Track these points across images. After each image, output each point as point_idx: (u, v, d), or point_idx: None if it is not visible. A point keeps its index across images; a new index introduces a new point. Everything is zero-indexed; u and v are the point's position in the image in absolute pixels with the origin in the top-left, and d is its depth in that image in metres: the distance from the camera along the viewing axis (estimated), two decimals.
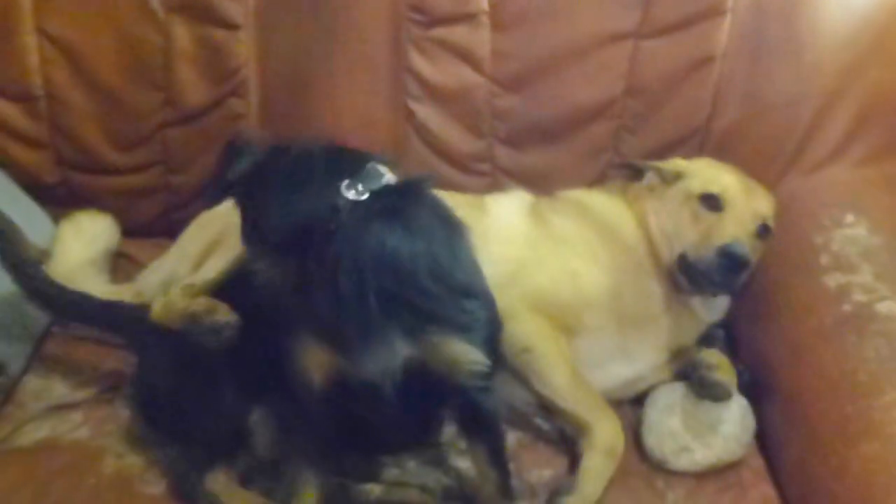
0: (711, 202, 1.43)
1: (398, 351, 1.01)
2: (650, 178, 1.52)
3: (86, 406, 1.37)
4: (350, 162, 1.05)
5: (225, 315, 1.15)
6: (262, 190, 1.06)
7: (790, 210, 1.50)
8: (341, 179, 1.01)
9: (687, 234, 1.43)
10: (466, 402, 1.11)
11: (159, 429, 1.27)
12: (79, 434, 1.32)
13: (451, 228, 1.08)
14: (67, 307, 1.39)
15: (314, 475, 1.15)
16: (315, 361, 1.06)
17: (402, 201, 1.03)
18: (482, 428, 1.14)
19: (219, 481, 1.20)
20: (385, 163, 1.07)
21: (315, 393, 1.07)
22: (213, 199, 1.17)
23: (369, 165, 1.04)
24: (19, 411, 1.36)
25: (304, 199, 1.02)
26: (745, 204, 1.43)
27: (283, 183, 1.04)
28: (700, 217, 1.43)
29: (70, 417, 1.35)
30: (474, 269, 1.10)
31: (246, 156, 1.09)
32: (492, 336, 1.10)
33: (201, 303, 1.17)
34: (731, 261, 1.35)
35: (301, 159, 1.06)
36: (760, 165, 1.55)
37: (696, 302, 1.47)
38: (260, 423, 1.20)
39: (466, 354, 1.04)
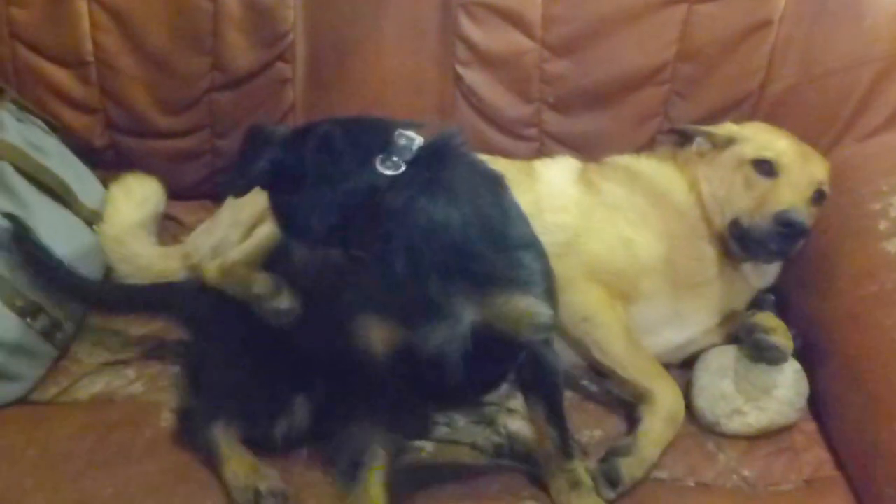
0: (765, 167, 1.41)
1: (464, 319, 0.99)
2: (700, 143, 1.51)
3: (138, 362, 1.39)
4: (377, 135, 1.01)
5: (287, 300, 1.16)
6: (294, 183, 1.01)
7: (846, 176, 1.47)
8: (373, 156, 0.99)
9: (740, 200, 1.41)
10: (530, 357, 1.10)
11: (210, 407, 1.25)
12: (133, 389, 1.35)
13: (492, 182, 1.06)
14: (117, 299, 1.41)
15: (382, 447, 1.12)
16: (377, 336, 1.04)
17: (440, 166, 1.00)
18: (543, 384, 1.13)
19: (224, 432, 1.19)
20: (410, 126, 1.04)
21: (379, 365, 1.05)
22: (235, 192, 1.11)
23: (397, 134, 1.01)
24: (75, 366, 1.38)
25: (340, 187, 0.99)
26: (801, 169, 1.41)
27: (315, 174, 1.00)
28: (754, 183, 1.41)
29: (124, 373, 1.37)
30: (522, 219, 1.08)
31: (270, 146, 1.04)
32: (550, 286, 1.08)
33: (266, 285, 1.17)
34: (788, 228, 1.33)
35: (327, 143, 1.01)
36: (815, 131, 1.54)
37: (748, 268, 1.45)
38: (303, 404, 1.20)
39: (530, 308, 1.02)
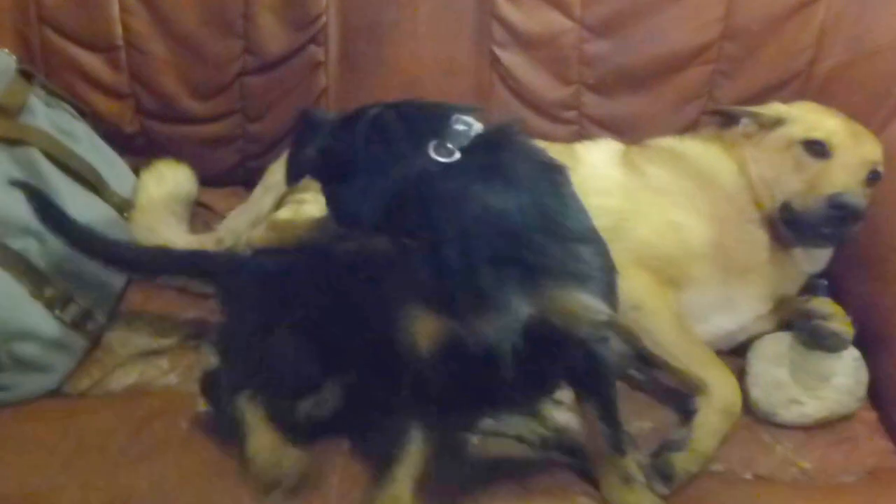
0: (816, 148, 1.36)
1: (518, 314, 0.93)
2: (746, 123, 1.46)
3: (172, 353, 1.36)
4: (432, 120, 0.98)
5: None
6: (344, 170, 0.98)
7: None
8: (427, 141, 0.94)
9: (790, 182, 1.37)
10: (584, 355, 1.04)
11: (237, 376, 1.21)
12: (168, 380, 1.32)
13: (552, 172, 1.01)
14: (151, 262, 1.37)
15: (419, 444, 1.07)
16: (425, 330, 0.99)
17: (497, 154, 0.96)
18: (597, 382, 1.08)
19: (249, 404, 1.15)
20: (469, 111, 1.00)
21: (424, 359, 0.99)
22: (291, 180, 1.08)
23: (453, 118, 0.97)
24: (108, 357, 1.34)
25: (390, 173, 0.95)
26: (854, 150, 1.36)
27: (364, 160, 0.97)
28: (804, 164, 1.36)
29: (157, 364, 1.34)
30: (582, 212, 1.03)
31: (319, 133, 1.01)
32: (609, 283, 1.02)
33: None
34: (843, 211, 1.29)
35: (378, 128, 0.98)
36: (866, 110, 1.48)
37: (798, 252, 1.40)
38: (332, 388, 1.15)
39: (587, 305, 0.97)
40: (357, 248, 1.09)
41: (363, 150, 0.97)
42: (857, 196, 1.29)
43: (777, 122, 1.43)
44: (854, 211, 1.29)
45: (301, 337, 1.16)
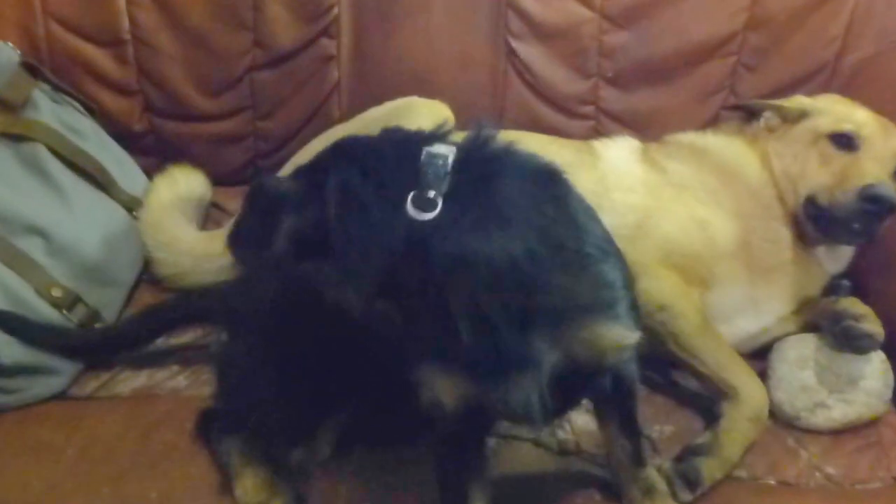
0: (844, 141, 1.32)
1: (543, 364, 0.86)
2: (769, 117, 1.42)
3: (180, 355, 1.33)
4: (401, 168, 0.85)
5: None
6: (317, 249, 0.86)
7: None
8: (404, 197, 0.82)
9: (816, 176, 1.33)
10: (611, 377, 0.99)
11: (229, 417, 1.17)
12: (176, 383, 1.29)
13: (548, 181, 0.90)
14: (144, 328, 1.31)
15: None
16: (446, 390, 0.90)
17: (484, 186, 0.84)
18: (619, 396, 1.03)
19: (239, 447, 1.12)
20: (435, 139, 0.89)
21: (448, 416, 0.92)
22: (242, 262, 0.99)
23: (423, 157, 0.85)
24: (115, 359, 1.31)
25: (373, 246, 0.83)
26: (884, 142, 1.32)
27: (342, 238, 0.85)
28: (831, 158, 1.32)
29: (166, 366, 1.31)
30: (592, 220, 0.93)
31: (282, 216, 0.87)
32: (632, 296, 0.94)
33: None
34: (876, 205, 1.24)
35: (347, 196, 0.85)
36: (894, 105, 1.42)
37: (821, 251, 1.36)
38: (325, 433, 1.13)
39: (618, 336, 0.90)
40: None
41: (336, 227, 0.85)
42: (890, 188, 1.24)
43: (801, 116, 1.39)
44: (887, 203, 1.24)
45: (298, 374, 1.08)
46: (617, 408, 1.05)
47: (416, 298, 0.86)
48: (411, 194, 0.83)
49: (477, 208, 0.83)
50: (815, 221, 1.32)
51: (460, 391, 0.90)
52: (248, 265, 1.04)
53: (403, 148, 0.88)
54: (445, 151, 0.85)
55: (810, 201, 1.33)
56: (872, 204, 1.24)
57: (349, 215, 0.85)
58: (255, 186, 0.91)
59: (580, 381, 0.94)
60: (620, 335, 0.90)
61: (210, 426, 1.16)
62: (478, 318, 0.83)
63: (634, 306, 0.94)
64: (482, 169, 0.86)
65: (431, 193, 0.82)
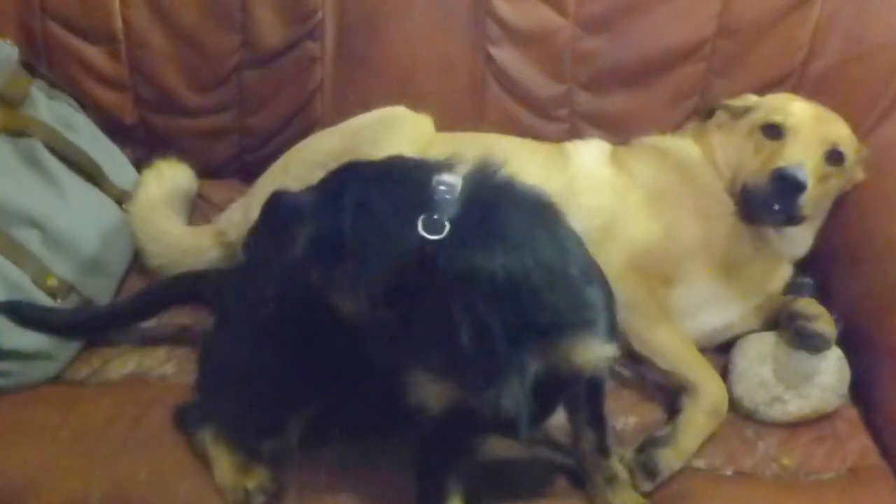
0: (773, 131, 1.40)
1: (530, 374, 0.94)
2: (720, 115, 1.50)
3: (169, 343, 1.38)
4: (414, 189, 0.93)
5: None
6: (332, 256, 0.94)
7: (889, 156, 1.44)
8: (415, 216, 0.90)
9: (749, 164, 1.40)
10: (586, 383, 1.06)
11: (205, 407, 1.23)
12: (165, 370, 1.34)
13: (543, 213, 0.99)
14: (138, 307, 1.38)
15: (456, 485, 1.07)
16: (434, 395, 0.98)
17: (488, 213, 0.93)
18: (590, 395, 1.11)
19: (213, 436, 1.18)
20: (445, 168, 0.96)
21: (433, 418, 0.99)
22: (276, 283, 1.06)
23: (434, 184, 0.92)
24: (107, 346, 1.37)
25: (385, 255, 0.91)
26: (811, 130, 1.38)
27: (356, 243, 0.93)
28: (762, 147, 1.40)
29: (155, 354, 1.36)
30: (579, 247, 1.02)
31: (302, 225, 0.95)
32: (612, 316, 1.04)
33: None
34: (783, 183, 1.30)
35: (363, 208, 0.93)
36: (859, 109, 1.49)
37: (774, 238, 1.42)
38: (296, 426, 1.17)
39: (595, 351, 0.98)
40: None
41: (354, 234, 0.93)
42: (801, 168, 1.30)
43: (746, 111, 1.46)
44: (792, 181, 1.30)
45: (271, 366, 1.14)
46: (586, 403, 1.11)
47: (418, 306, 0.92)
48: (422, 217, 0.90)
49: (481, 231, 0.91)
50: (746, 206, 1.39)
51: (450, 396, 0.97)
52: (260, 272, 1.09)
53: (414, 174, 0.96)
54: (453, 181, 0.93)
55: (743, 187, 1.40)
56: (781, 182, 1.30)
57: (365, 225, 0.93)
58: (273, 198, 0.98)
59: (559, 389, 1.02)
60: (599, 350, 0.98)
61: (187, 416, 1.21)
62: (477, 327, 0.90)
63: (613, 324, 1.02)
64: (485, 197, 0.94)
65: (440, 216, 0.90)
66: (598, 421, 1.12)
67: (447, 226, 0.90)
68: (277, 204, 0.98)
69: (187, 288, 1.39)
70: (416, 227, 0.90)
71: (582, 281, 0.97)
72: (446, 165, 0.97)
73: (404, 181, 0.96)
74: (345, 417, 1.18)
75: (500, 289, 0.90)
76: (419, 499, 1.07)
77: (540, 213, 0.99)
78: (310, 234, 0.94)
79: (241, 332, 1.19)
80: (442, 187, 0.93)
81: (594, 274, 1.03)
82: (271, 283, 1.12)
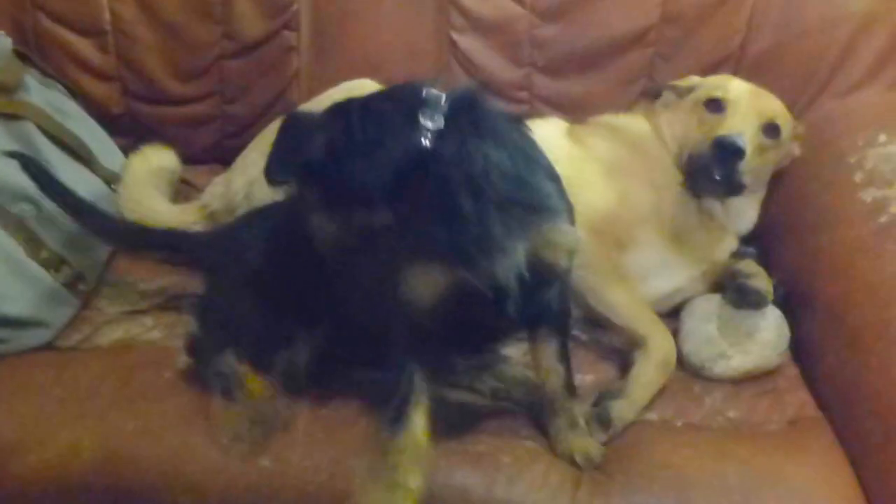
0: (714, 105, 1.50)
1: (520, 250, 1.04)
2: (667, 95, 1.60)
3: (155, 311, 1.46)
4: (410, 95, 1.06)
5: None
6: (343, 158, 1.05)
7: (824, 131, 1.55)
8: (416, 112, 1.03)
9: (693, 137, 1.50)
10: (559, 288, 1.15)
11: (220, 338, 1.30)
12: (152, 336, 1.41)
13: (519, 125, 1.12)
14: (136, 237, 1.49)
15: (426, 387, 1.13)
16: (427, 282, 1.06)
17: (475, 114, 1.05)
18: (559, 318, 1.19)
19: (236, 358, 1.23)
20: (433, 84, 1.09)
21: (427, 310, 1.07)
22: (288, 177, 1.13)
23: (426, 93, 1.05)
24: (96, 315, 1.45)
25: (390, 146, 1.03)
26: (748, 104, 1.48)
27: (363, 140, 1.04)
28: (704, 120, 1.50)
29: (142, 321, 1.44)
30: (545, 155, 1.14)
31: (314, 131, 1.06)
32: (571, 209, 1.14)
33: None
34: (723, 150, 1.39)
35: (369, 111, 1.06)
36: (795, 89, 1.61)
37: (718, 210, 1.51)
38: (303, 343, 1.24)
39: (568, 234, 1.10)
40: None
41: (360, 131, 1.04)
42: (740, 137, 1.40)
43: (689, 91, 1.57)
44: (731, 148, 1.39)
45: (272, 300, 1.24)
46: (556, 332, 1.19)
47: (419, 200, 1.02)
48: (421, 111, 1.02)
49: (473, 125, 1.04)
50: (691, 176, 1.48)
51: (443, 279, 1.05)
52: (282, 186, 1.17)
53: (409, 86, 1.08)
54: (440, 92, 1.06)
55: (688, 158, 1.49)
56: (721, 149, 1.40)
57: (370, 123, 1.05)
58: (289, 116, 1.11)
59: (541, 280, 1.10)
60: (574, 237, 1.11)
61: (199, 360, 1.28)
62: (477, 204, 1.01)
63: (573, 220, 1.13)
64: (469, 104, 1.06)
65: (436, 114, 1.03)
66: (564, 356, 1.19)
67: (441, 120, 1.02)
68: (293, 119, 1.11)
69: (178, 239, 1.48)
70: (416, 120, 1.02)
71: (550, 176, 1.10)
72: (431, 81, 1.09)
73: (399, 92, 1.09)
74: (346, 349, 1.26)
75: (494, 167, 1.02)
76: (386, 407, 1.12)
77: (515, 123, 1.12)
78: (324, 138, 1.05)
79: (247, 269, 1.28)
80: (433, 95, 1.05)
81: (558, 177, 1.14)
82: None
